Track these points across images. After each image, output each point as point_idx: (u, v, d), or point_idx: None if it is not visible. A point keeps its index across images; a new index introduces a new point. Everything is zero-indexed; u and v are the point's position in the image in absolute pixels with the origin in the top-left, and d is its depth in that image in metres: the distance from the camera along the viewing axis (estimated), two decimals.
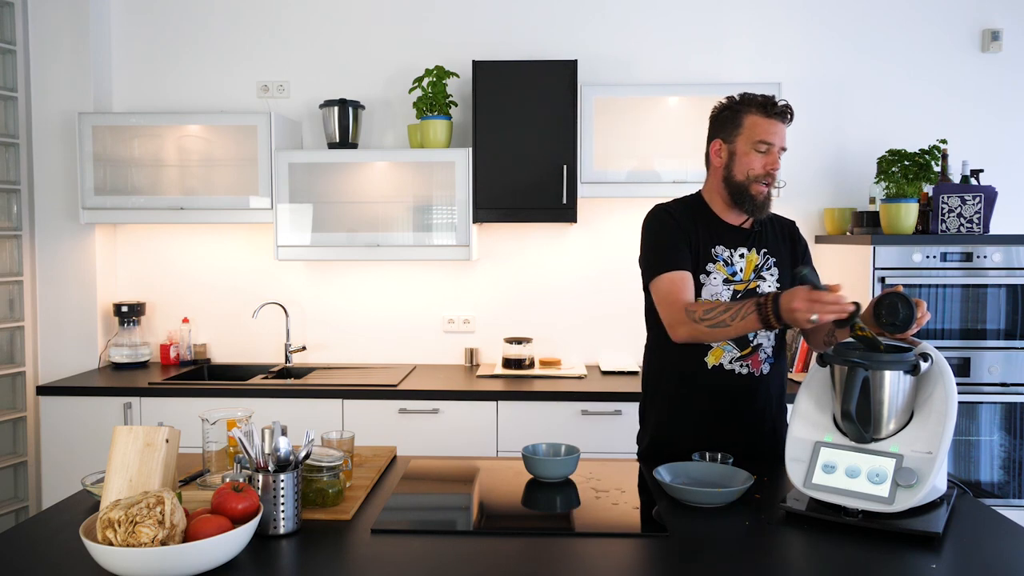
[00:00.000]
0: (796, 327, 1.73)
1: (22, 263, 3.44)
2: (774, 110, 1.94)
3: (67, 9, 3.39)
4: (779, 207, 2.25)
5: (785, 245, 2.08)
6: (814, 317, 1.62)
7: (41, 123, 3.43)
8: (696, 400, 1.99)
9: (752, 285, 1.98)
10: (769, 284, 2.00)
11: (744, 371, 1.98)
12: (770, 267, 2.01)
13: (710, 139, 2.04)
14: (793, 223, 2.15)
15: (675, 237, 1.97)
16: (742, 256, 2.00)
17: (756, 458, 1.92)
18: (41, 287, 3.45)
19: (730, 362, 1.97)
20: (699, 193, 2.09)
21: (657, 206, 2.07)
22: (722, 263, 1.98)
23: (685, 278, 1.93)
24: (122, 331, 3.48)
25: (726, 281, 1.97)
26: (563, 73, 3.18)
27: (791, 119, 1.96)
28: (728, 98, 2.01)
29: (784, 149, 1.97)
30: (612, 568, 1.40)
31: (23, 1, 3.38)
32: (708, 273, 1.97)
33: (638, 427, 2.17)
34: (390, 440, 2.69)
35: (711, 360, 1.97)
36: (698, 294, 1.96)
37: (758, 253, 2.02)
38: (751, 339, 1.98)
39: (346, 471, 1.76)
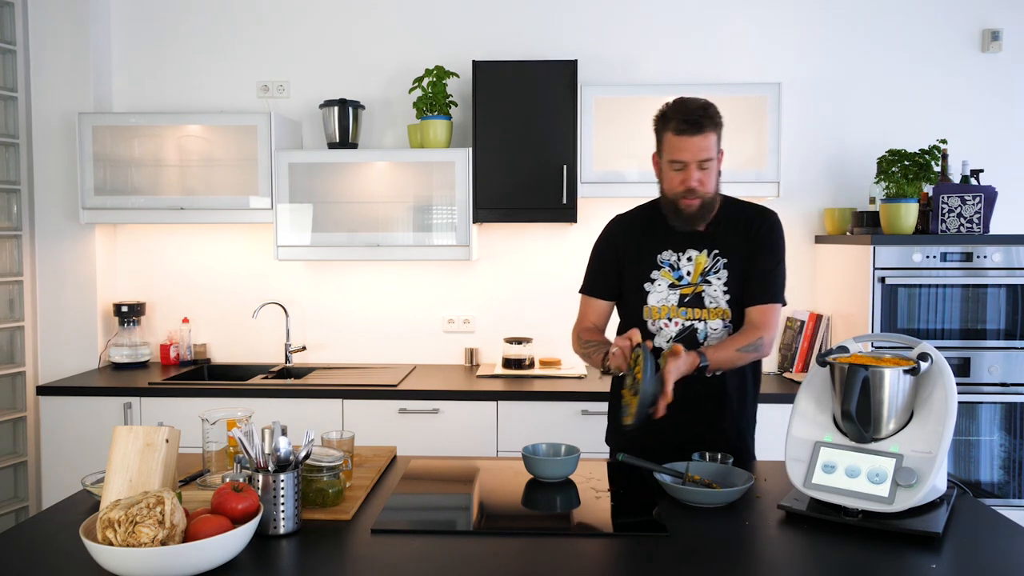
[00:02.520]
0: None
1: (22, 263, 3.44)
2: (682, 128, 1.87)
3: (67, 9, 3.39)
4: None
5: (741, 241, 1.99)
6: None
7: (41, 123, 3.42)
8: None
9: (699, 289, 1.98)
10: (715, 288, 1.97)
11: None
12: (718, 270, 1.98)
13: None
14: (757, 212, 2.02)
15: (601, 261, 2.11)
16: (690, 259, 2.00)
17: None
18: (41, 287, 3.45)
19: None
20: (659, 198, 2.06)
21: (614, 217, 2.15)
22: (668, 268, 2.00)
23: (591, 305, 2.12)
24: (122, 331, 3.48)
25: (672, 286, 1.99)
26: (563, 73, 3.18)
27: (711, 127, 1.88)
28: (661, 107, 1.96)
29: (708, 160, 1.88)
30: (612, 568, 1.40)
31: (23, 1, 3.38)
32: (652, 280, 2.01)
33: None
34: (390, 440, 2.68)
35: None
36: (644, 302, 2.01)
37: (708, 255, 1.99)
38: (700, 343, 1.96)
39: (346, 471, 1.76)
